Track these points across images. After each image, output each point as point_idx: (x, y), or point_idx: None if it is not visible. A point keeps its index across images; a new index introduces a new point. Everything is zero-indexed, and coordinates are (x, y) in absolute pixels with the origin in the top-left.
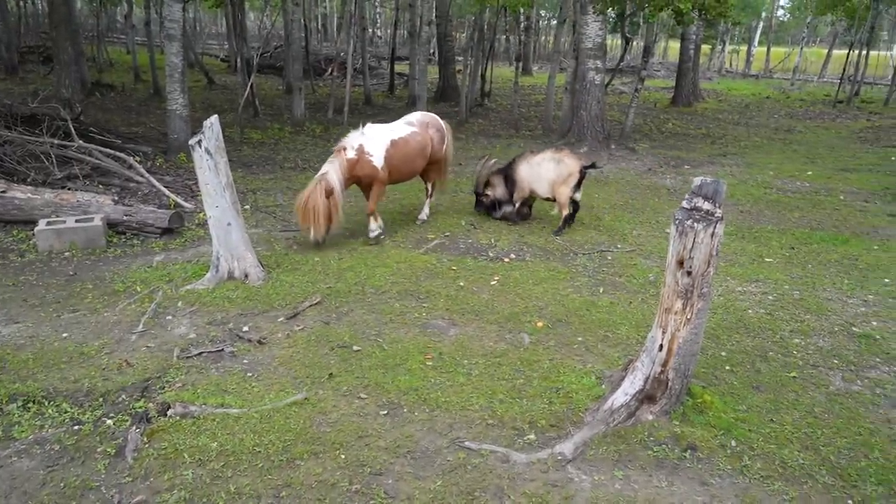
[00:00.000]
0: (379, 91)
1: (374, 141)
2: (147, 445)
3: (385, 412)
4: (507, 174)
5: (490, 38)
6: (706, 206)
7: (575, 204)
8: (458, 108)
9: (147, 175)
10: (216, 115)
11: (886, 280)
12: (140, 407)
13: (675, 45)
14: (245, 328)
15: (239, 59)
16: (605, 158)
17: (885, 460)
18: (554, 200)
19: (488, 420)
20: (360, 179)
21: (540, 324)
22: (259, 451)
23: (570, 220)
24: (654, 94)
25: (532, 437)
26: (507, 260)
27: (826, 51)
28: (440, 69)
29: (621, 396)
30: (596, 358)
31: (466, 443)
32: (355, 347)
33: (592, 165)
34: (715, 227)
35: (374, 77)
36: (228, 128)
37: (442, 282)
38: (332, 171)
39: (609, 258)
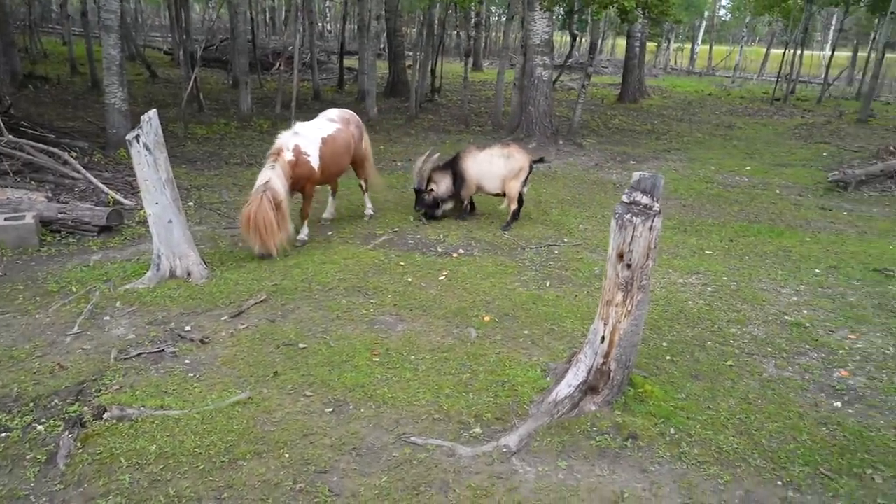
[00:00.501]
0: (328, 86)
1: (308, 140)
2: (81, 451)
3: (331, 410)
4: (454, 170)
5: (440, 34)
6: (645, 200)
7: (520, 198)
8: (408, 104)
9: (83, 171)
10: (155, 110)
11: (817, 270)
12: (74, 411)
13: (622, 43)
14: (187, 328)
15: (182, 53)
16: (553, 154)
17: (812, 442)
18: (502, 195)
19: (434, 415)
20: (298, 181)
21: (487, 318)
22: (200, 453)
23: (517, 214)
24: (601, 90)
25: (478, 430)
26: (455, 255)
27: (765, 50)
28: (390, 64)
29: (565, 388)
30: (542, 351)
31: (412, 438)
32: (301, 345)
33: (541, 160)
34: (653, 220)
35: (323, 71)
36: (172, 123)
37: (390, 277)
38: (274, 177)
39: (556, 252)
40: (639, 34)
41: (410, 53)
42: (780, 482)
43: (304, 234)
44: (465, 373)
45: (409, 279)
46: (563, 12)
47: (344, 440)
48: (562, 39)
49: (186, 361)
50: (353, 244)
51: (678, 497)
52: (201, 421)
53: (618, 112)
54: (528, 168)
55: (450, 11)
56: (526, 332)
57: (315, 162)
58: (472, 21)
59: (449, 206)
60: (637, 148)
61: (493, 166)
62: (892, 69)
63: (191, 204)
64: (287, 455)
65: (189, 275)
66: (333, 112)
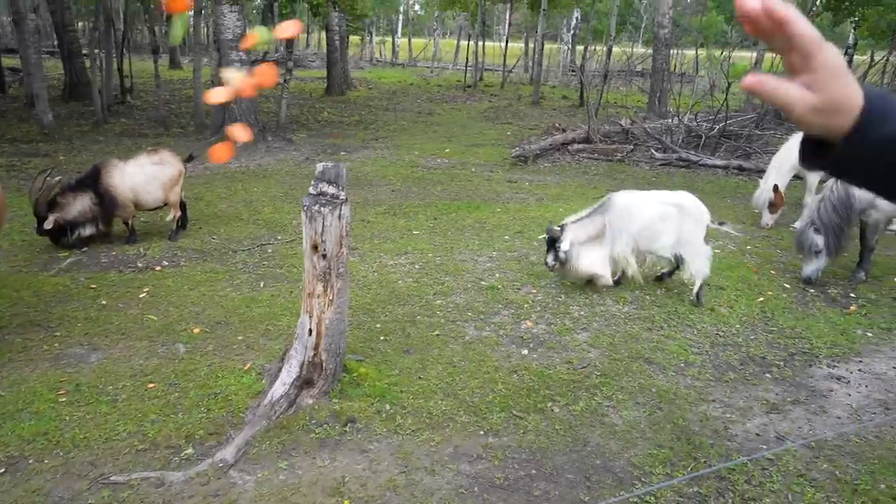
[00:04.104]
0: None
1: None
2: None
3: (3, 470)
4: (96, 191)
5: (123, 29)
6: (331, 190)
7: (183, 203)
8: (93, 108)
9: None
10: None
11: (506, 237)
12: None
13: None
14: None
15: None
16: (263, 151)
17: (506, 390)
18: (160, 208)
19: (138, 446)
20: None
21: (196, 330)
22: None
23: (185, 221)
24: (309, 84)
25: (190, 451)
26: (158, 268)
27: (456, 42)
28: (65, 63)
29: (280, 387)
30: (257, 354)
31: (112, 478)
32: None
33: (190, 158)
34: (341, 209)
35: None
36: None
37: (79, 304)
38: None
39: (270, 251)
40: (337, 28)
41: (90, 52)
42: (482, 431)
43: None
44: (173, 393)
45: (104, 302)
46: (262, 5)
47: (21, 502)
48: None
49: None
50: (28, 272)
51: (395, 468)
52: None
53: (326, 105)
54: (185, 170)
55: (130, 2)
56: (240, 337)
57: None
58: (164, 14)
59: (89, 231)
60: (347, 139)
61: (150, 177)
62: (554, 58)
63: None
64: None
65: None
66: None
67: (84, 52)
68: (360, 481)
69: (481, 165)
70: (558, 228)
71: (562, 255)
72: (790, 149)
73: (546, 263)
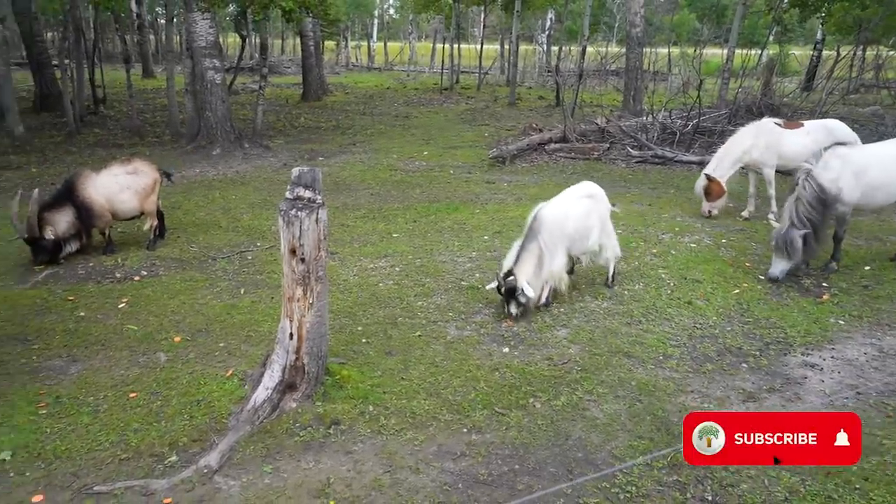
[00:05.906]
0: None
1: None
2: None
3: None
4: (74, 203)
5: (94, 38)
6: (307, 194)
7: (160, 212)
8: (66, 119)
9: None
10: None
11: (485, 237)
12: None
13: None
14: None
15: None
16: (240, 158)
17: (487, 388)
18: (136, 218)
19: (121, 455)
20: None
21: (177, 338)
22: None
23: (163, 231)
24: (285, 90)
25: (174, 458)
26: (137, 278)
27: (431, 45)
28: (34, 74)
29: (263, 392)
30: (239, 360)
31: (96, 487)
32: None
33: (166, 174)
34: (318, 213)
35: None
36: None
37: (57, 316)
38: None
39: (249, 258)
40: (311, 33)
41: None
42: (465, 429)
43: None
44: (156, 401)
45: (82, 313)
46: (235, 12)
47: None
48: (235, 41)
49: None
50: (2, 286)
51: (380, 468)
52: None
53: (303, 111)
54: (161, 179)
55: (108, 13)
56: (221, 344)
57: None
58: (136, 23)
59: (75, 246)
60: (324, 144)
61: (123, 186)
62: (529, 59)
63: None
64: None
65: None
66: None
67: (54, 62)
68: (345, 482)
69: (459, 167)
70: (513, 278)
71: (523, 299)
72: (735, 142)
73: (510, 315)
